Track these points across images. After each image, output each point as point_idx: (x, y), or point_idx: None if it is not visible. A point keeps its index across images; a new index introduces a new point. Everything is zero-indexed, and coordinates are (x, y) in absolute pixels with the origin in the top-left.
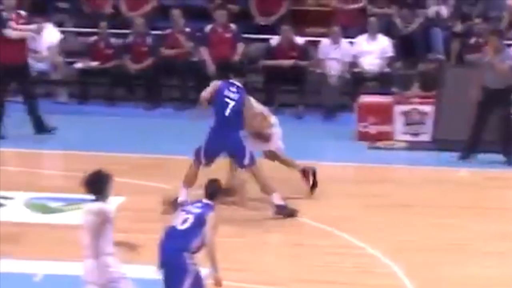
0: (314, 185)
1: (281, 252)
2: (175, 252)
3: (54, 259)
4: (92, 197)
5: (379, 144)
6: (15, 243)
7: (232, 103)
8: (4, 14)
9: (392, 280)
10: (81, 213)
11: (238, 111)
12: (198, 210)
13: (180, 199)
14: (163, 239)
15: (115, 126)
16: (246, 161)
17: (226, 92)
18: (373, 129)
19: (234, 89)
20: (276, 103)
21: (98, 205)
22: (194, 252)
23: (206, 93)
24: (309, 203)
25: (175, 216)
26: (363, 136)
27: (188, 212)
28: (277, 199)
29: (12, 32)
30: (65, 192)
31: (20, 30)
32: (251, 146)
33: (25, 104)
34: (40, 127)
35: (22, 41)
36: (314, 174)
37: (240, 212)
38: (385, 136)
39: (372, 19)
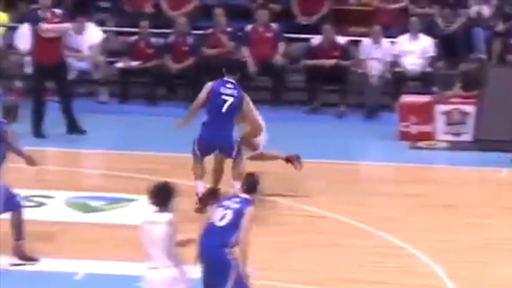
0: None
1: (321, 252)
2: (216, 249)
3: (95, 258)
4: (155, 208)
5: (421, 144)
6: (56, 242)
7: (230, 99)
8: (39, 12)
9: (433, 280)
10: (143, 224)
11: (237, 106)
12: (236, 206)
13: (199, 191)
14: (203, 236)
15: (155, 126)
16: (234, 153)
17: (222, 90)
18: (414, 129)
19: (230, 86)
20: (318, 103)
21: (167, 216)
22: (234, 247)
23: (202, 95)
24: (349, 203)
25: (213, 212)
26: (405, 136)
27: (226, 208)
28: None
29: (44, 28)
30: (106, 191)
31: (51, 29)
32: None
33: (60, 103)
34: (72, 127)
35: (58, 40)
36: (298, 159)
37: (274, 211)
38: (426, 136)
39: (414, 19)
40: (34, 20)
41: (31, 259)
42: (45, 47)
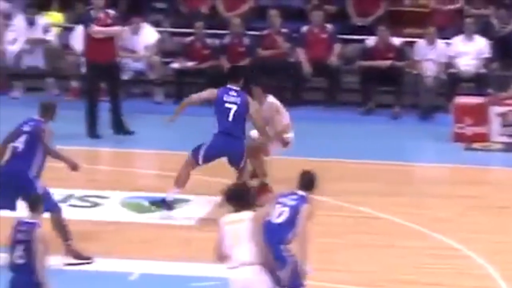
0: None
1: (375, 253)
2: (272, 246)
3: (150, 258)
4: (235, 208)
5: (476, 145)
6: (111, 242)
7: (234, 107)
8: (92, 13)
9: (488, 282)
10: (224, 224)
11: (242, 114)
12: (293, 203)
13: (170, 198)
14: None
15: (210, 126)
16: (242, 163)
17: (226, 98)
18: (469, 131)
19: (233, 93)
20: (372, 104)
21: (249, 214)
22: (289, 244)
23: (197, 96)
24: (404, 204)
25: (271, 209)
26: (459, 137)
27: (283, 205)
28: None
29: (96, 30)
30: (161, 192)
31: (101, 31)
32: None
33: (110, 103)
34: (119, 127)
35: (110, 40)
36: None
37: (328, 212)
38: (481, 138)
39: (469, 20)
40: (86, 21)
41: (85, 258)
42: (97, 47)
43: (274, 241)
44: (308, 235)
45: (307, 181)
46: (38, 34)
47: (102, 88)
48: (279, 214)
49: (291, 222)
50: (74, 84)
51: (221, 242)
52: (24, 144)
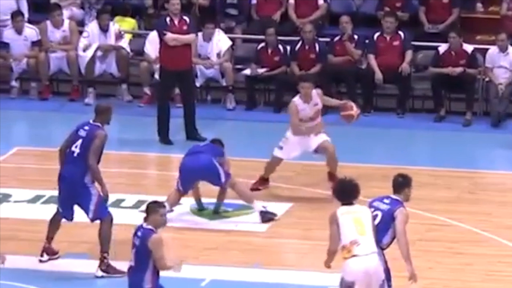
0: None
1: (446, 260)
2: None
3: (222, 264)
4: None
5: None
6: (183, 248)
7: None
8: (167, 19)
9: None
10: (340, 215)
11: None
12: (386, 206)
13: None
14: None
15: (282, 133)
16: (223, 179)
17: None
18: None
19: None
20: (444, 111)
21: (362, 207)
22: (384, 249)
23: None
24: (475, 211)
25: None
26: None
27: (376, 209)
28: (258, 206)
29: (170, 38)
30: (232, 198)
31: (176, 39)
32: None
33: (184, 109)
34: (192, 134)
35: (186, 47)
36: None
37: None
38: None
39: None
40: (161, 28)
41: (116, 271)
42: (172, 54)
43: None
44: (407, 238)
45: (400, 184)
46: (110, 40)
47: (175, 95)
48: (372, 218)
49: (385, 226)
50: (147, 90)
51: (336, 233)
52: (80, 149)
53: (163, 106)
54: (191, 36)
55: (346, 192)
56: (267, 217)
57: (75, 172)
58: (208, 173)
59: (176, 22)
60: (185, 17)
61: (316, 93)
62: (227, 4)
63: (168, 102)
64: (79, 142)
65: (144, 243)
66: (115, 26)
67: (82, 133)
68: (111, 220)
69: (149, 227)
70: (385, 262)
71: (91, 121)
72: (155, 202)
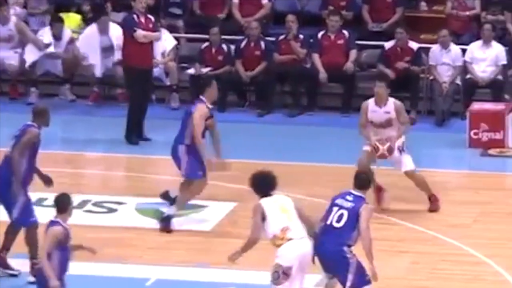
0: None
1: (390, 259)
2: (335, 248)
3: (167, 264)
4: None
5: (492, 151)
6: (128, 247)
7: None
8: (134, 17)
9: None
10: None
11: (184, 122)
12: (351, 204)
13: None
14: (321, 237)
15: (226, 132)
16: (182, 172)
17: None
18: (484, 137)
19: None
20: None
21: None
22: (351, 245)
23: None
24: (419, 210)
25: (327, 212)
26: (475, 143)
27: (340, 207)
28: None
29: (141, 35)
30: None
31: (147, 36)
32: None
33: (140, 108)
34: (141, 134)
35: (150, 45)
36: None
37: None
38: (497, 144)
39: (487, 26)
40: (131, 25)
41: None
42: (139, 51)
43: (338, 244)
44: (371, 235)
45: (363, 180)
46: (63, 47)
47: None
48: (338, 218)
49: (351, 224)
50: (95, 88)
51: (260, 223)
52: (12, 148)
53: (138, 104)
54: (159, 34)
55: (268, 184)
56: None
57: (5, 172)
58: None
59: (143, 20)
60: (149, 16)
61: (393, 102)
62: (170, 3)
63: (141, 99)
64: (13, 142)
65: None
66: (67, 31)
67: (16, 133)
68: (36, 226)
69: (58, 219)
70: (355, 257)
71: (29, 122)
72: (65, 194)
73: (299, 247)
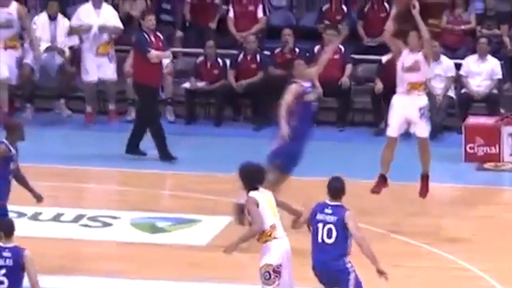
0: None
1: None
2: (335, 263)
3: (160, 279)
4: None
5: (487, 165)
6: (122, 262)
7: None
8: (146, 36)
9: None
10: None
11: None
12: (334, 218)
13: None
14: (317, 255)
15: (222, 146)
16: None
17: None
18: (480, 151)
19: None
20: (384, 123)
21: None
22: (348, 254)
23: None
24: (415, 224)
25: (313, 229)
26: (471, 158)
27: (325, 223)
28: None
29: (154, 56)
30: (171, 212)
31: (160, 56)
32: None
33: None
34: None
35: (161, 64)
36: None
37: None
38: (493, 158)
39: (482, 40)
40: (145, 45)
41: None
42: (152, 70)
43: (333, 259)
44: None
45: (336, 190)
46: (60, 33)
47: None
48: (327, 233)
49: (343, 235)
50: (111, 107)
51: (261, 213)
52: None
53: (157, 123)
54: (169, 53)
55: (260, 178)
56: None
57: None
58: None
59: (153, 38)
60: (158, 33)
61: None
62: (161, 9)
63: (152, 115)
64: None
65: (18, 261)
66: (64, 20)
67: None
68: None
69: (13, 245)
70: (353, 267)
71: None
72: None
73: (285, 245)
